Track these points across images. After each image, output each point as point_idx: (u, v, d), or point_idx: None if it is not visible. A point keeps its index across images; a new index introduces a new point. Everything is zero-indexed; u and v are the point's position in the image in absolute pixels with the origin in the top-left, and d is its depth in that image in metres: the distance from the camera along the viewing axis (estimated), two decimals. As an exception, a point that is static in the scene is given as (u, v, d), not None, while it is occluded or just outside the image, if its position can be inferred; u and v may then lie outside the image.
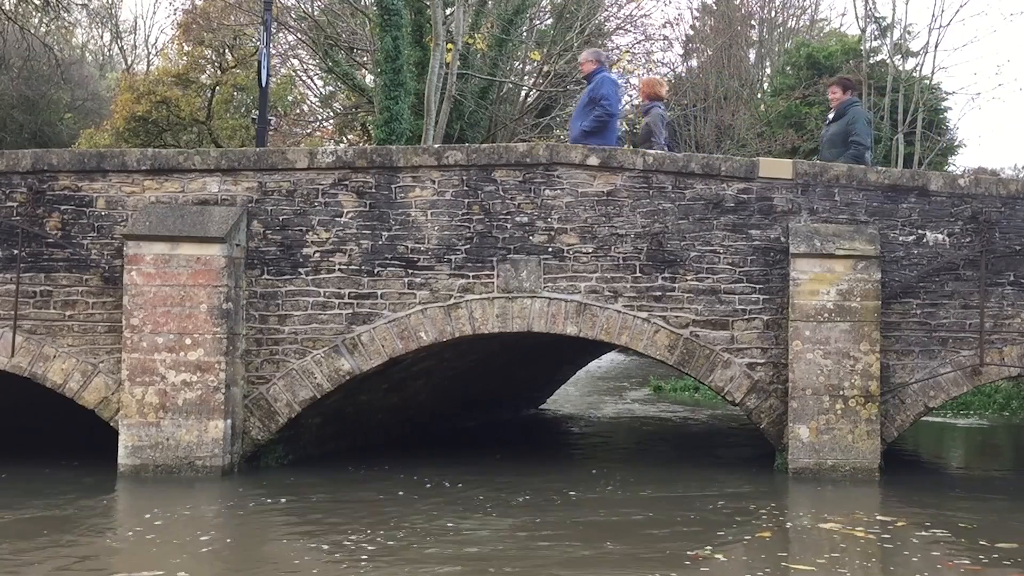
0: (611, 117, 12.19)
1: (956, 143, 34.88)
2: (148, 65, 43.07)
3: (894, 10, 41.27)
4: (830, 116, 12.89)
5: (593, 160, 11.09)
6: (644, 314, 10.94)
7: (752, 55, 38.30)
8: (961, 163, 38.05)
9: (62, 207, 10.97)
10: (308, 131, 35.36)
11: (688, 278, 10.97)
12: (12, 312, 10.73)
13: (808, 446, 10.62)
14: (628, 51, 30.36)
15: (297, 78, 34.97)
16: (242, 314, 10.87)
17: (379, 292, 10.97)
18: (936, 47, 29.55)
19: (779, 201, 11.04)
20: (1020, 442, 16.45)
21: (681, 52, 37.85)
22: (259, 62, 19.25)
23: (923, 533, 8.38)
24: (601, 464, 12.60)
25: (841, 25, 52.85)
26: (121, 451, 10.48)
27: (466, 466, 11.57)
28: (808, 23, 41.46)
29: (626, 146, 12.38)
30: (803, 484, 10.43)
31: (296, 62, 34.15)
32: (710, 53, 35.56)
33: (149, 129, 33.38)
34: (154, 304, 10.51)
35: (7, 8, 28.62)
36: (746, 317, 10.95)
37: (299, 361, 10.89)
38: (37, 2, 29.87)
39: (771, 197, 11.05)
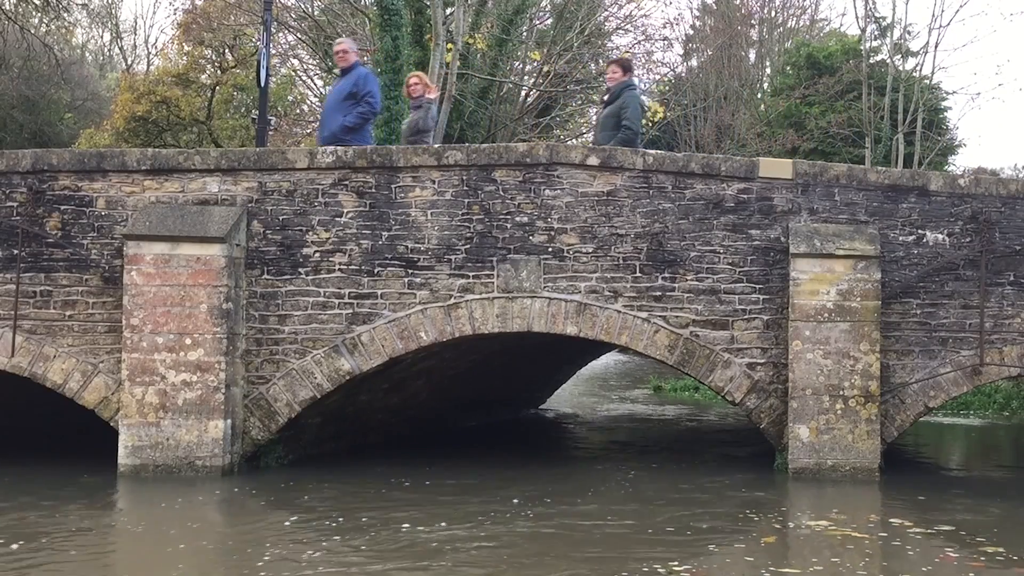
0: (375, 115, 12.14)
1: (956, 143, 34.91)
2: (148, 65, 43.09)
3: (894, 10, 41.33)
4: (607, 97, 12.83)
5: (593, 160, 11.09)
6: (644, 314, 10.94)
7: (752, 55, 38.30)
8: (961, 163, 38.13)
9: (62, 207, 10.97)
10: (308, 131, 35.34)
11: (688, 278, 10.96)
12: (12, 312, 10.72)
13: (808, 446, 10.62)
14: (628, 51, 30.36)
15: (297, 78, 34.97)
16: (242, 314, 10.87)
17: (379, 292, 10.96)
18: (936, 47, 29.63)
19: (779, 201, 11.04)
20: (1020, 442, 16.44)
21: (681, 52, 37.89)
22: (259, 62, 19.25)
23: (923, 533, 8.37)
24: (598, 464, 12.60)
25: (841, 25, 52.97)
26: (121, 451, 10.48)
27: (465, 468, 11.58)
28: (808, 23, 41.46)
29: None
30: (803, 484, 10.43)
31: (296, 62, 34.17)
32: (710, 53, 35.57)
33: (149, 129, 33.39)
34: (154, 304, 10.50)
35: (7, 8, 28.62)
36: (746, 317, 10.95)
37: (299, 361, 10.88)
38: (37, 2, 29.87)
39: (771, 197, 11.04)
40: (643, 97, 12.44)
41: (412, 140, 12.82)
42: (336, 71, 29.06)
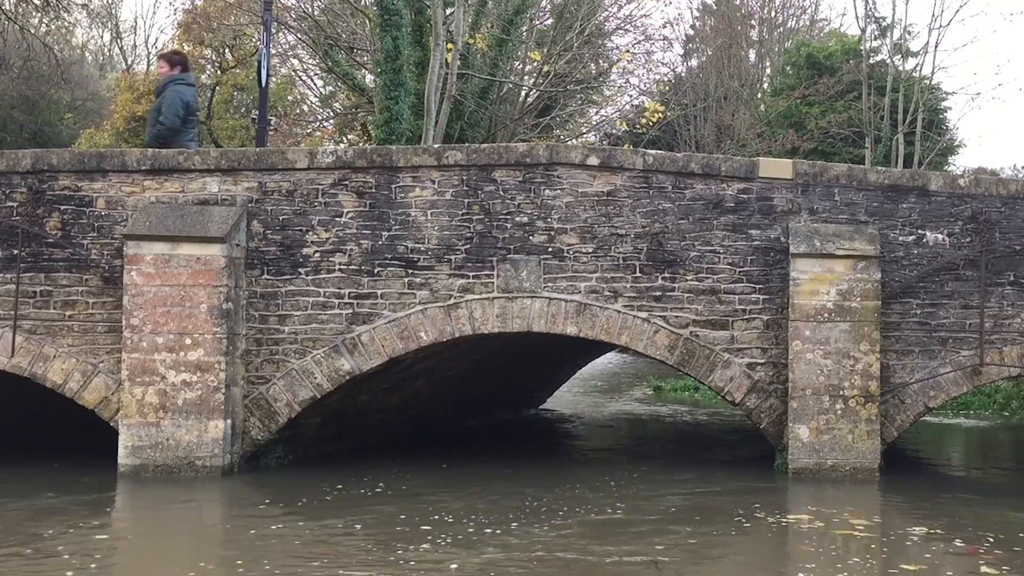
0: None
1: (956, 143, 34.93)
2: (148, 65, 43.05)
3: (894, 10, 41.34)
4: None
5: (593, 160, 11.09)
6: (644, 314, 10.94)
7: (752, 55, 38.32)
8: (961, 163, 38.11)
9: (62, 207, 10.97)
10: (308, 131, 35.36)
11: (688, 278, 10.97)
12: (12, 312, 10.73)
13: (808, 446, 10.62)
14: (628, 51, 30.36)
15: (297, 78, 34.96)
16: (242, 314, 10.87)
17: (379, 292, 10.96)
18: (936, 47, 29.62)
19: (779, 201, 11.04)
20: (1020, 442, 16.44)
21: (681, 52, 37.91)
22: (259, 62, 19.23)
23: (923, 532, 8.37)
24: (597, 464, 12.60)
25: (841, 25, 52.91)
26: (121, 451, 10.48)
27: (466, 468, 11.58)
28: (808, 23, 41.48)
29: None
30: (803, 484, 10.43)
31: (296, 62, 34.14)
32: (710, 53, 35.60)
33: (149, 129, 33.30)
34: (154, 304, 10.50)
35: (7, 8, 28.59)
36: (746, 317, 10.95)
37: (299, 361, 10.88)
38: (37, 2, 29.83)
39: (771, 197, 11.04)
40: (190, 91, 12.13)
41: None
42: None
